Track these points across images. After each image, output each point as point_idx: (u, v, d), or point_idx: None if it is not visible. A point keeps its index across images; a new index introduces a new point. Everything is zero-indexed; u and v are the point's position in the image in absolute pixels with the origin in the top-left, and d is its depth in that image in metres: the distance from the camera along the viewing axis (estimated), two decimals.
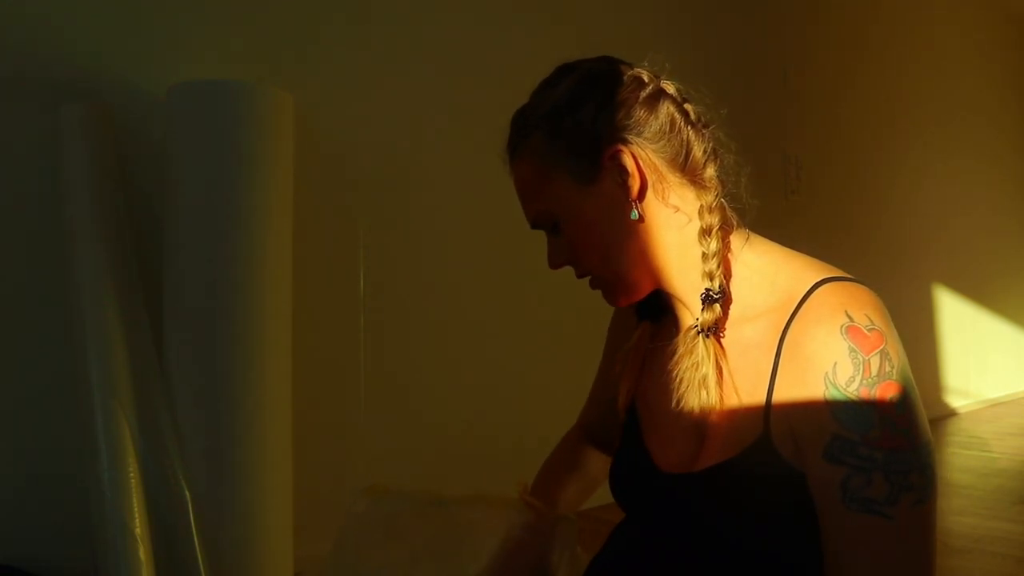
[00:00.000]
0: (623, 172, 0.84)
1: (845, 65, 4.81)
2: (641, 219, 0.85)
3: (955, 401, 5.53)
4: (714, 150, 0.87)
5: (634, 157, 0.84)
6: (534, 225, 0.92)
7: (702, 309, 0.83)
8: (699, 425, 0.84)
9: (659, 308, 0.97)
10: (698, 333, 0.82)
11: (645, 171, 0.85)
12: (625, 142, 0.84)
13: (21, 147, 1.97)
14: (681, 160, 0.85)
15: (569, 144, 0.85)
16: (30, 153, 1.98)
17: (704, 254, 0.84)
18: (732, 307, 0.84)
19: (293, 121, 2.12)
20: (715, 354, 0.81)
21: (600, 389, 1.16)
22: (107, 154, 1.97)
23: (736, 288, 0.85)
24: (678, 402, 0.84)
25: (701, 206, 0.85)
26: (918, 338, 5.23)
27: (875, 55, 5.11)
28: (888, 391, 0.71)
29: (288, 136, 2.09)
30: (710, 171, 0.86)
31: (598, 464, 1.16)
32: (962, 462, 4.08)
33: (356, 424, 2.53)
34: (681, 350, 0.83)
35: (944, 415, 5.35)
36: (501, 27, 3.02)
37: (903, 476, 0.70)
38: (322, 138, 2.44)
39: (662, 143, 0.85)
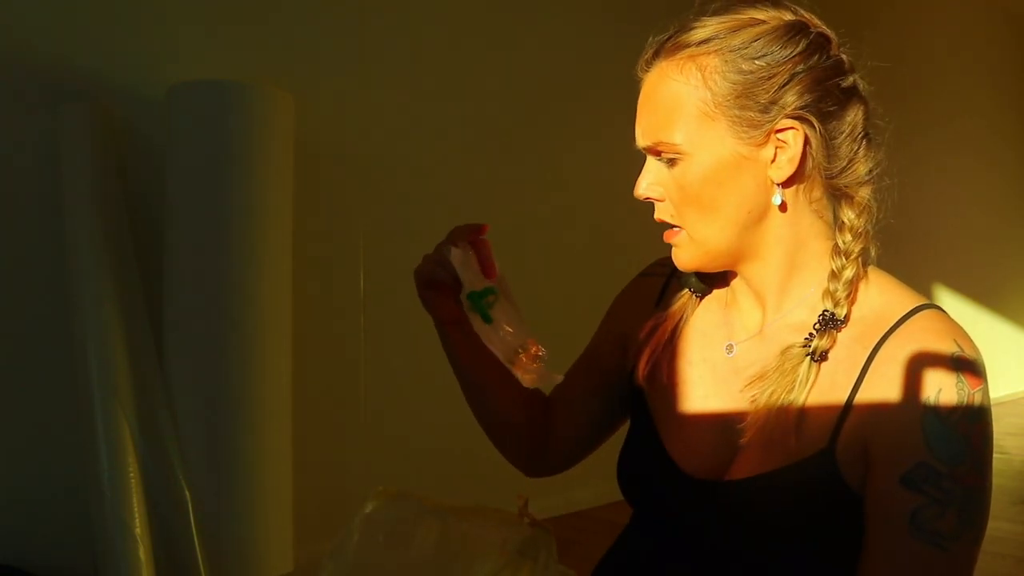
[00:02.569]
0: (783, 150, 0.76)
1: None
2: (783, 207, 0.77)
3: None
4: (878, 172, 0.83)
5: (806, 142, 0.76)
6: (645, 148, 0.80)
7: (816, 330, 0.77)
8: (738, 432, 0.78)
9: (704, 291, 0.90)
10: (807, 355, 0.76)
11: (807, 162, 0.77)
12: (803, 120, 0.75)
13: (21, 147, 1.97)
14: (841, 167, 0.79)
15: (748, 92, 0.75)
16: (30, 153, 1.98)
17: (833, 272, 0.78)
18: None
19: (293, 121, 2.12)
20: (813, 382, 0.75)
21: (582, 374, 1.02)
22: (107, 154, 1.97)
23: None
24: (721, 413, 0.80)
25: (843, 223, 0.80)
26: None
27: (873, 55, 5.11)
28: (983, 430, 0.71)
29: (288, 136, 2.09)
30: (866, 192, 0.81)
31: (520, 410, 1.02)
32: None
33: (356, 424, 2.53)
34: (773, 362, 0.78)
35: None
36: (501, 27, 3.01)
37: (972, 515, 0.70)
38: (322, 138, 2.44)
39: (836, 142, 0.78)
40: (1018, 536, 2.75)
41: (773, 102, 0.75)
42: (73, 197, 1.90)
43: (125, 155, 2.06)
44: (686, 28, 0.78)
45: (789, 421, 0.76)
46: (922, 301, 0.77)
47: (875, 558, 0.72)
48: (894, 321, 0.75)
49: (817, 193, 0.80)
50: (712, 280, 0.90)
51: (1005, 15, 6.55)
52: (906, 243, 5.42)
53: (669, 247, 0.84)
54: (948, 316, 0.76)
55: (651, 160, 0.80)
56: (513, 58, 3.00)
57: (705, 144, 0.76)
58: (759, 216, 0.78)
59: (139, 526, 1.77)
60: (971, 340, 0.74)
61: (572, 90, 3.06)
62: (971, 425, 0.70)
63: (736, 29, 0.76)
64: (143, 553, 1.76)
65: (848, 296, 0.78)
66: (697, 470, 0.82)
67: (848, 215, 0.80)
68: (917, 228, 5.33)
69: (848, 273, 0.78)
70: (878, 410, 0.73)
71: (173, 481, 1.87)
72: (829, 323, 0.77)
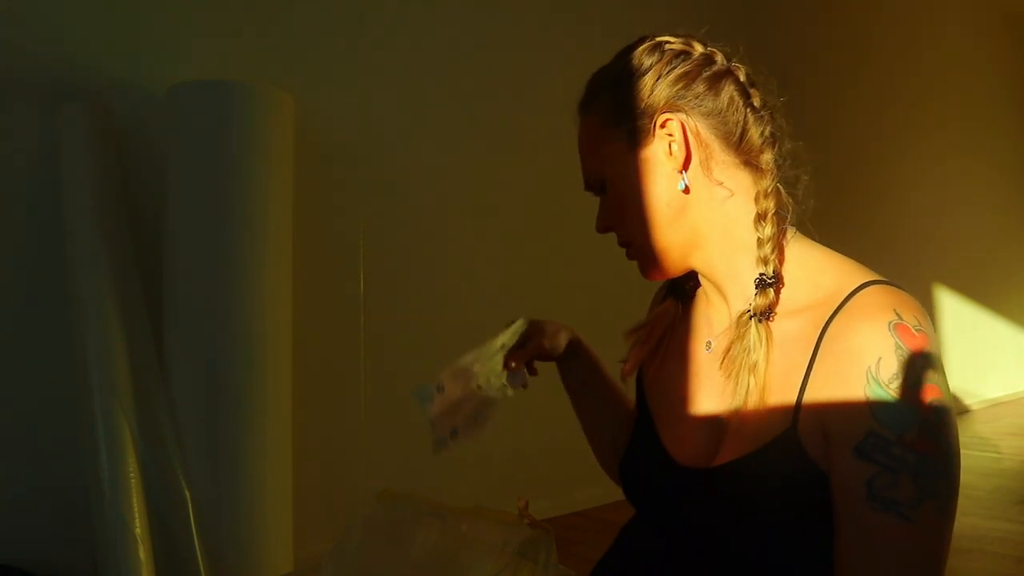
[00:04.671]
0: (671, 140, 0.85)
1: (845, 65, 4.81)
2: (686, 190, 0.85)
3: (956, 401, 5.53)
4: (772, 135, 0.87)
5: (683, 127, 0.84)
6: (587, 185, 0.93)
7: (756, 294, 0.82)
8: (722, 419, 0.83)
9: (686, 294, 0.97)
10: (751, 318, 0.80)
11: (693, 143, 0.85)
12: (677, 111, 0.85)
13: (21, 147, 1.98)
14: (736, 139, 0.85)
15: (627, 108, 0.87)
16: (30, 153, 1.98)
17: (759, 239, 0.83)
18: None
19: (293, 121, 2.12)
20: (767, 340, 0.79)
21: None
22: (107, 154, 1.97)
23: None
24: (702, 394, 0.83)
25: (758, 192, 0.85)
26: None
27: (874, 55, 5.11)
28: (930, 394, 0.71)
29: (288, 136, 2.10)
30: (767, 156, 0.86)
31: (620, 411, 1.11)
32: (962, 462, 4.08)
33: (356, 424, 2.53)
34: (733, 335, 0.82)
35: None
36: (500, 28, 3.01)
37: (930, 482, 0.70)
38: (322, 138, 2.44)
39: (716, 120, 0.85)
40: (1018, 536, 2.75)
41: (648, 104, 0.86)
42: (73, 197, 1.90)
43: (125, 155, 2.06)
44: (587, 87, 0.93)
45: (757, 404, 0.79)
46: (869, 277, 0.78)
47: (844, 533, 0.73)
48: (840, 300, 0.77)
49: (722, 169, 0.85)
50: (694, 281, 0.95)
51: (1004, 16, 6.55)
52: (906, 243, 5.43)
53: None
54: (895, 289, 0.77)
55: (599, 199, 0.92)
56: (513, 58, 3.00)
57: (615, 162, 0.88)
58: (680, 207, 0.85)
59: (139, 526, 1.78)
60: (916, 307, 0.75)
61: (579, 90, 3.06)
62: (915, 392, 0.70)
63: (610, 69, 0.91)
64: (143, 553, 1.76)
65: (774, 252, 0.82)
66: (688, 460, 0.85)
67: (760, 183, 0.85)
68: (917, 228, 5.34)
69: (768, 231, 0.82)
70: (828, 386, 0.74)
71: (173, 481, 1.87)
72: (763, 283, 0.81)
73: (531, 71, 3.01)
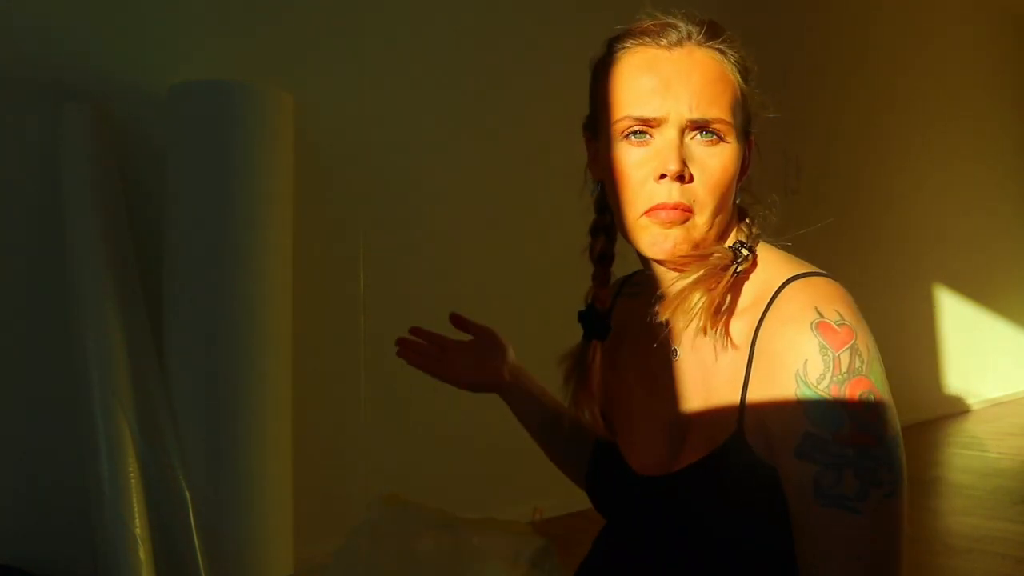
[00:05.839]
0: (750, 151, 0.86)
1: (845, 65, 4.81)
2: (738, 196, 0.85)
3: (956, 401, 5.53)
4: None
5: (754, 149, 0.86)
6: (695, 120, 0.78)
7: (738, 261, 0.81)
8: (676, 426, 0.84)
9: (603, 328, 0.95)
10: (733, 261, 0.80)
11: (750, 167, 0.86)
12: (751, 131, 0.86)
13: (21, 147, 1.97)
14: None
15: (751, 90, 0.83)
16: (30, 153, 1.98)
17: (744, 229, 0.85)
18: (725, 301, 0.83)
19: (293, 121, 2.12)
20: (707, 308, 0.78)
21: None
22: (107, 154, 1.97)
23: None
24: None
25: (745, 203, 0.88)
26: (918, 338, 5.23)
27: (875, 55, 5.11)
28: (858, 387, 0.72)
29: (288, 136, 2.10)
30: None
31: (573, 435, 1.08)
32: (962, 462, 4.08)
33: (356, 424, 2.53)
34: (678, 303, 0.79)
35: (945, 415, 5.35)
36: (501, 28, 3.01)
37: (872, 472, 0.70)
38: (322, 138, 2.44)
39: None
40: (1018, 536, 2.75)
41: (751, 105, 0.84)
42: (73, 197, 1.90)
43: (125, 155, 2.05)
44: (715, 29, 0.82)
45: (705, 409, 0.80)
46: (791, 272, 0.79)
47: (799, 530, 0.74)
48: (767, 301, 0.77)
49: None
50: (645, 283, 0.93)
51: (1004, 16, 6.55)
52: (907, 243, 5.43)
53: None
54: (816, 279, 0.77)
55: (678, 135, 0.78)
56: (514, 58, 3.00)
57: (737, 128, 0.81)
58: (731, 205, 0.84)
59: (139, 526, 1.78)
60: (838, 298, 0.75)
61: (577, 90, 3.06)
62: (843, 387, 0.71)
63: (735, 40, 0.84)
64: (143, 553, 1.76)
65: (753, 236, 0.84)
66: (648, 468, 0.85)
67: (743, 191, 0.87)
68: (918, 228, 5.33)
69: (751, 232, 0.85)
70: (764, 390, 0.76)
71: (173, 481, 1.87)
72: (740, 247, 0.82)
73: (531, 71, 3.00)
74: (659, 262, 0.83)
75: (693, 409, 0.82)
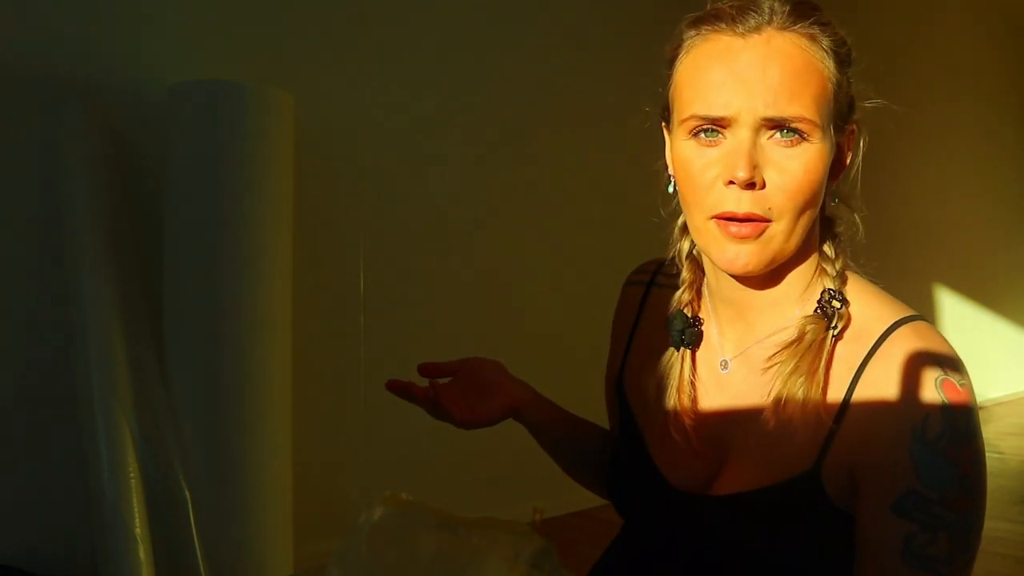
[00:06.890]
0: (848, 148, 0.77)
1: None
2: (833, 199, 0.78)
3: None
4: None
5: (855, 141, 0.78)
6: (771, 118, 0.69)
7: (821, 310, 0.75)
8: (719, 444, 0.79)
9: (695, 336, 0.86)
10: (828, 328, 0.73)
11: (849, 161, 0.78)
12: (855, 122, 0.78)
13: (21, 147, 1.97)
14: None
15: (846, 81, 0.75)
16: (30, 153, 1.98)
17: (834, 254, 0.79)
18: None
19: (293, 121, 2.12)
20: (825, 360, 0.73)
21: (610, 397, 1.01)
22: (107, 154, 1.97)
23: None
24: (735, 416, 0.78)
25: (833, 212, 0.81)
26: None
27: (874, 55, 5.11)
28: (971, 452, 0.70)
29: (288, 136, 2.10)
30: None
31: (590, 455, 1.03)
32: None
33: (356, 424, 2.53)
34: (794, 333, 0.74)
35: None
36: (502, 28, 3.01)
37: (964, 536, 0.69)
38: (322, 138, 2.44)
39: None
40: (1018, 536, 2.75)
41: (851, 97, 0.76)
42: (73, 197, 1.90)
43: (125, 155, 2.05)
44: (792, 1, 0.74)
45: (773, 438, 0.74)
46: (896, 312, 0.75)
47: None
48: (876, 338, 0.73)
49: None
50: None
51: (1003, 16, 6.55)
52: (907, 243, 5.43)
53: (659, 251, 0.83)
54: (929, 329, 0.74)
55: (751, 136, 0.70)
56: (514, 58, 3.00)
57: (825, 124, 0.71)
58: (817, 211, 0.76)
59: (139, 526, 1.77)
60: (954, 354, 0.72)
61: (574, 90, 3.07)
62: (959, 450, 0.69)
63: (829, 21, 0.75)
64: (143, 553, 1.76)
65: (843, 271, 0.78)
66: (682, 482, 0.81)
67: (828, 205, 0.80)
68: (917, 229, 5.34)
69: (841, 263, 0.78)
70: (865, 437, 0.71)
71: (173, 481, 1.87)
72: (832, 298, 0.76)
73: (532, 71, 3.00)
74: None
75: (748, 432, 0.76)
